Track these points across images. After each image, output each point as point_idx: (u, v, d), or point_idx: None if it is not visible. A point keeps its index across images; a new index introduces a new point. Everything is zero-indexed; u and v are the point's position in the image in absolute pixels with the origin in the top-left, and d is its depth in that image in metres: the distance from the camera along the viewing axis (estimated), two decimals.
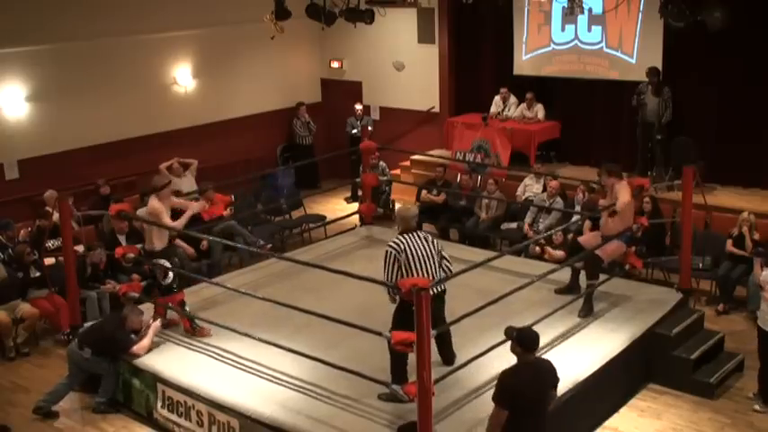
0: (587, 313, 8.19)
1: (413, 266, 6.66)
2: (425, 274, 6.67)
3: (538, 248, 10.67)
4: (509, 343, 5.66)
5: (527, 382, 5.54)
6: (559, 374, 5.83)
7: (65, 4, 11.89)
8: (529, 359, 5.61)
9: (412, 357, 5.94)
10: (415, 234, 6.84)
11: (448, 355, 7.13)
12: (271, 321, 8.00)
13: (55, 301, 9.40)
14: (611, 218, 8.10)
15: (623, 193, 8.09)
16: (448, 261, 7.04)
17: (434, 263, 6.80)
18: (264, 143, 14.92)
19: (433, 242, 6.89)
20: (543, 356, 6.19)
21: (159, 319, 8.10)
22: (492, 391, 5.50)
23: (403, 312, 6.50)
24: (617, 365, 7.52)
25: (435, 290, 6.60)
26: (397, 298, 6.62)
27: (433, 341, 6.24)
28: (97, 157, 12.35)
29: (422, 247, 6.77)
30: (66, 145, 12.13)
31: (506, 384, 5.52)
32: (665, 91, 11.87)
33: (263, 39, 12.20)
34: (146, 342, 7.85)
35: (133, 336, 7.92)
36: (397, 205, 13.22)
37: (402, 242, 6.74)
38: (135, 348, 7.78)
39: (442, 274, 6.87)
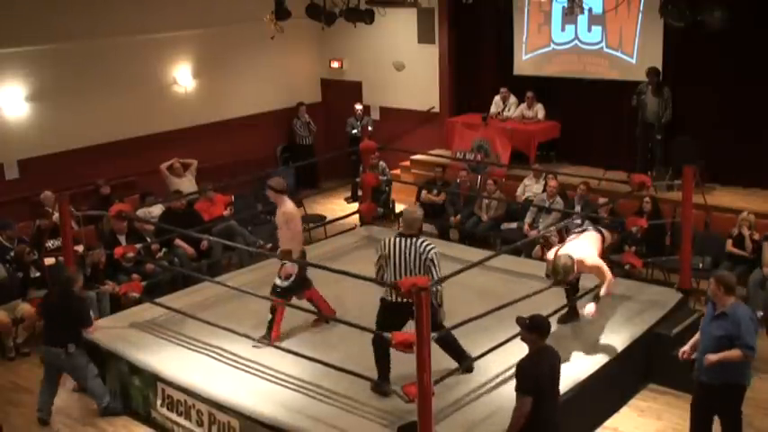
0: (568, 321, 8.10)
1: (386, 271, 6.68)
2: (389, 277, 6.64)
3: (542, 251, 10.65)
4: (509, 344, 5.68)
5: (546, 367, 5.69)
6: (560, 375, 5.86)
7: (65, 4, 11.88)
8: (543, 345, 5.73)
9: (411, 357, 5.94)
10: (407, 239, 6.66)
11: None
12: None
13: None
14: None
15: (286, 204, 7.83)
16: (435, 275, 6.58)
17: (408, 274, 6.56)
18: (264, 143, 14.92)
19: (422, 252, 6.58)
20: None
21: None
22: (495, 390, 5.51)
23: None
24: (617, 365, 7.52)
25: (391, 297, 6.58)
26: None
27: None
28: (97, 157, 12.34)
29: (404, 254, 6.60)
30: (67, 145, 12.11)
31: (529, 372, 5.64)
32: (665, 91, 11.87)
33: (263, 39, 12.21)
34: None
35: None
36: (398, 205, 13.25)
37: (387, 244, 6.72)
38: (91, 329, 7.89)
39: None
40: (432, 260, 6.59)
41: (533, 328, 5.72)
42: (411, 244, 6.62)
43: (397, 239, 6.70)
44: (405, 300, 6.33)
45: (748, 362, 6.34)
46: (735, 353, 6.19)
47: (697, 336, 6.67)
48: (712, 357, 6.27)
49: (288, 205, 7.82)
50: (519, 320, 5.80)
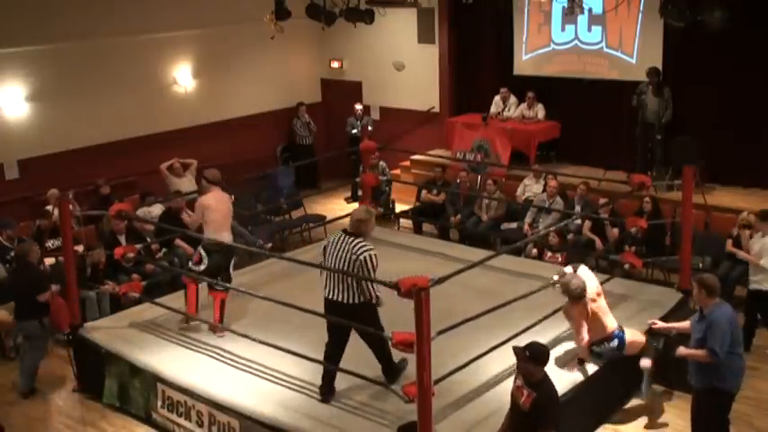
0: None
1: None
2: (321, 278, 6.73)
3: (535, 250, 10.67)
4: (508, 343, 5.63)
5: (557, 393, 5.63)
6: (560, 375, 5.85)
7: (65, 4, 11.89)
8: (545, 374, 5.57)
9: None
10: (347, 237, 6.62)
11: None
12: (271, 321, 8.01)
13: (55, 301, 9.37)
14: None
15: (207, 195, 8.26)
16: (366, 278, 6.49)
17: (336, 272, 6.57)
18: (264, 143, 14.93)
19: (355, 252, 6.49)
20: None
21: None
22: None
23: None
24: (617, 365, 7.52)
25: (327, 295, 6.66)
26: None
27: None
28: (97, 157, 12.35)
29: (338, 251, 6.59)
30: (67, 145, 12.12)
31: (558, 407, 5.56)
32: (666, 91, 11.87)
33: (263, 39, 12.21)
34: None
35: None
36: (398, 205, 13.26)
37: (330, 240, 6.78)
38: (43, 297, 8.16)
39: (342, 286, 6.59)
40: (364, 261, 6.46)
41: (533, 360, 5.46)
42: (347, 243, 6.59)
43: (339, 236, 6.71)
44: (346, 301, 6.54)
45: (731, 367, 6.31)
46: (699, 352, 6.26)
47: (682, 323, 6.85)
48: (682, 351, 6.42)
49: (208, 196, 8.16)
50: (516, 350, 5.57)
